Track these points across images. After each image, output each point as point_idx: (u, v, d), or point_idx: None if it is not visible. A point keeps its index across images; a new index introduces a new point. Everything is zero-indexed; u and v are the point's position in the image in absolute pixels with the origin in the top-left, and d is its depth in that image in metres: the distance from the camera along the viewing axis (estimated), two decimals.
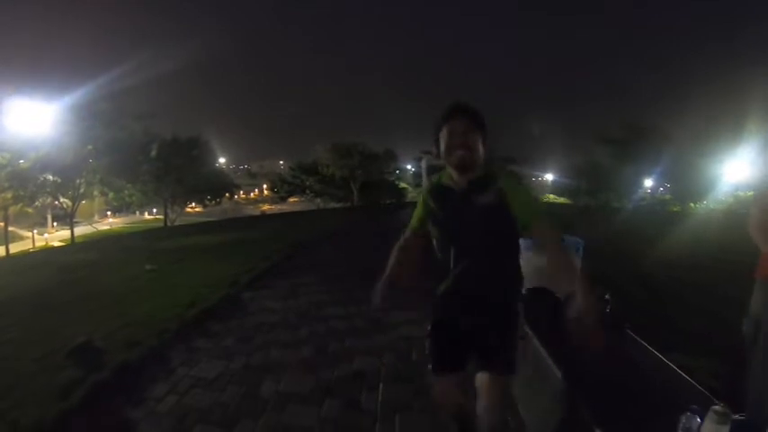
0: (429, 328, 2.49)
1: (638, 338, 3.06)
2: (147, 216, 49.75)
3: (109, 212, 47.97)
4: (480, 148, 2.24)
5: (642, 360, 2.75)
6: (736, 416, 1.70)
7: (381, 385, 3.82)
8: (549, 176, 41.03)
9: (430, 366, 2.50)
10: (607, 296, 3.39)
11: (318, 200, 41.16)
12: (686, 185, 30.16)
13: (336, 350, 4.63)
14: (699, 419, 1.67)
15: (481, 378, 2.37)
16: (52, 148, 21.14)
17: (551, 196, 37.95)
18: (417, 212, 2.56)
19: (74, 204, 24.65)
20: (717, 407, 1.65)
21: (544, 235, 2.17)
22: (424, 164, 6.91)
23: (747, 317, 3.49)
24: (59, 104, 21.70)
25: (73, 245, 20.16)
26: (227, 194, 36.95)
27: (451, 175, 2.33)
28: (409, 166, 43.33)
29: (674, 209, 30.88)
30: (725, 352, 3.85)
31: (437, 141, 2.32)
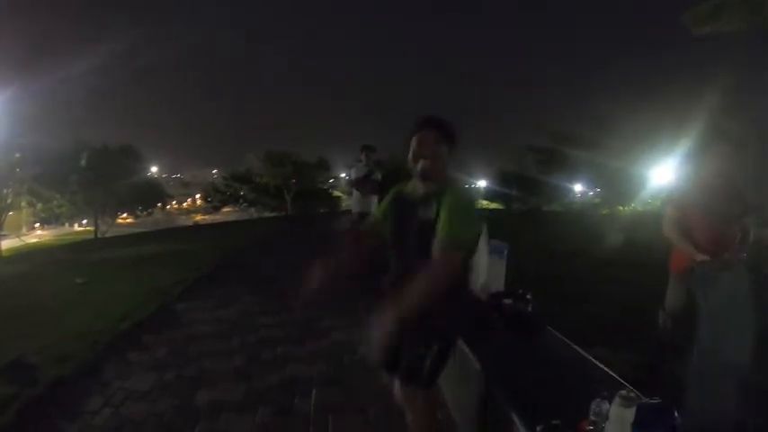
0: None
1: (559, 334, 3.28)
2: (77, 228, 47.91)
3: (37, 224, 46.20)
4: (445, 160, 2.36)
5: (563, 355, 2.94)
6: (647, 399, 1.80)
7: (314, 390, 3.95)
8: (482, 182, 41.69)
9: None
10: (528, 296, 3.61)
11: (252, 209, 40.72)
12: (615, 189, 31.20)
13: (269, 358, 4.71)
14: (608, 404, 1.77)
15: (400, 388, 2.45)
16: None
17: (484, 202, 38.60)
18: (382, 207, 2.71)
19: (0, 216, 23.79)
20: (623, 391, 1.75)
21: (433, 257, 2.18)
22: (353, 173, 7.04)
23: (662, 310, 3.81)
24: None
25: (0, 258, 19.40)
26: (159, 204, 36.25)
27: (414, 184, 2.46)
28: (343, 175, 43.45)
29: (603, 212, 31.88)
30: (645, 343, 4.13)
31: (407, 149, 2.40)
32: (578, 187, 35.55)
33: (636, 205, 31.18)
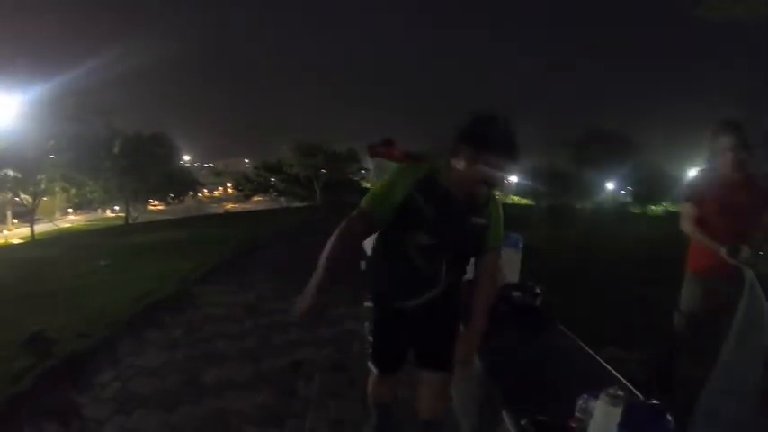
0: (373, 327, 2.54)
1: (567, 330, 3.26)
2: (108, 213, 48.77)
3: (70, 210, 47.02)
4: None
5: (567, 351, 2.90)
6: (641, 399, 1.79)
7: (317, 375, 4.00)
8: (513, 178, 41.45)
9: (372, 365, 2.59)
10: (538, 289, 3.59)
11: (282, 199, 41.11)
12: (647, 188, 30.82)
13: (279, 342, 4.79)
14: (595, 401, 1.71)
15: (429, 376, 2.44)
16: (13, 143, 20.69)
17: (515, 198, 38.38)
18: (388, 196, 2.11)
19: (34, 201, 24.22)
20: (610, 389, 1.66)
21: (488, 266, 2.28)
22: (376, 161, 7.01)
23: (678, 310, 3.75)
24: (22, 97, 21.05)
25: (33, 242, 19.79)
26: (190, 192, 36.65)
27: (450, 177, 2.09)
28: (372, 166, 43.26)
29: (634, 210, 31.50)
30: (657, 343, 4.09)
31: (467, 149, 2.00)
32: (610, 185, 35.13)
33: (667, 205, 30.80)
